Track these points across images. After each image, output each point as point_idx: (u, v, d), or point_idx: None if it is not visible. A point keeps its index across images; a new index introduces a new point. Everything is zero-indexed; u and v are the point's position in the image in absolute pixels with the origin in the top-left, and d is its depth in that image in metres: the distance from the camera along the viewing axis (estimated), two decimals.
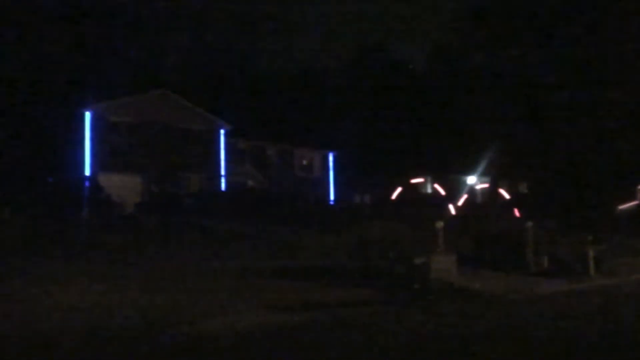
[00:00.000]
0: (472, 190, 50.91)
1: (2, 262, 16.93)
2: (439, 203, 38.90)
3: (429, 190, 51.88)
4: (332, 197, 48.58)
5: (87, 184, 32.19)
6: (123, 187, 35.58)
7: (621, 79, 44.27)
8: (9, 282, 14.81)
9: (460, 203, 41.68)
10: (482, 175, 50.51)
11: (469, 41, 52.72)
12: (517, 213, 33.62)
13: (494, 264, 20.34)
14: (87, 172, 35.36)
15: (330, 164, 50.02)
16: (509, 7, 48.09)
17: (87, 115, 36.52)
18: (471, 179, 51.29)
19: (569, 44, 45.75)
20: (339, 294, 15.55)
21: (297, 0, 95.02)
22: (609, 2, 44.78)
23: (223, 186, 41.69)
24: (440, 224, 17.95)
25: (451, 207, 39.49)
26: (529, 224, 21.31)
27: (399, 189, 37.92)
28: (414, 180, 43.86)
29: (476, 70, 51.05)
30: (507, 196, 41.17)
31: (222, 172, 42.11)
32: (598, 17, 44.24)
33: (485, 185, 51.06)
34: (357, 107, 60.17)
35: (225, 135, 42.89)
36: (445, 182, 49.75)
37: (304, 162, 49.54)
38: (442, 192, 40.84)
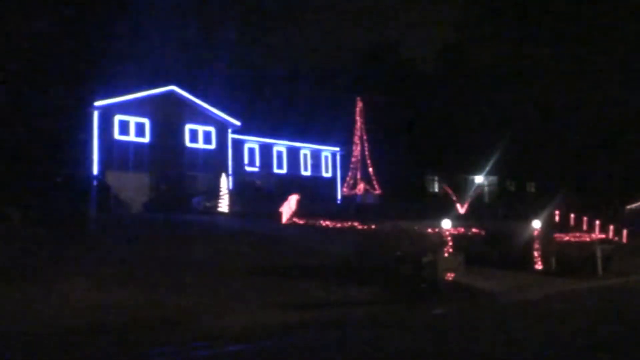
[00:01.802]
0: (480, 189, 50.84)
1: (10, 262, 16.97)
2: (447, 202, 38.85)
3: (437, 189, 51.83)
4: (339, 195, 48.53)
5: (94, 182, 32.22)
6: (131, 185, 35.60)
7: (629, 79, 44.15)
8: (18, 282, 14.85)
9: (467, 202, 41.64)
10: (489, 174, 50.42)
11: (479, 39, 52.75)
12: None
13: (502, 263, 20.28)
14: (95, 171, 35.39)
15: (338, 162, 49.99)
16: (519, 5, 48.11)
17: (95, 114, 36.57)
18: (479, 178, 51.19)
19: (578, 43, 45.68)
20: (346, 292, 15.55)
21: None
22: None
23: (231, 185, 41.70)
24: (447, 223, 17.93)
25: (459, 206, 39.46)
26: (537, 223, 21.25)
27: (407, 188, 37.88)
28: (421, 179, 43.80)
29: (486, 69, 51.02)
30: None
31: (230, 170, 42.12)
32: (606, 17, 44.15)
33: (494, 184, 51.02)
34: (366, 105, 60.05)
35: (233, 133, 42.89)
36: (452, 181, 49.70)
37: (312, 161, 49.53)
38: (451, 192, 40.57)
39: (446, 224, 18.06)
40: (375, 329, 11.65)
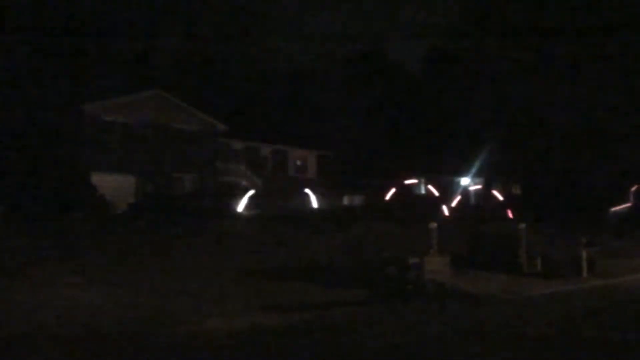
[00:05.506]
0: (465, 192, 51.00)
1: None
2: (433, 204, 38.96)
3: (423, 191, 51.92)
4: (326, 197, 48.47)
5: (80, 183, 32.09)
6: (117, 187, 35.50)
7: (620, 82, 44.45)
8: (2, 283, 14.74)
9: (453, 204, 41.77)
10: (476, 176, 50.58)
11: (466, 42, 52.86)
12: (510, 214, 33.66)
13: (488, 265, 20.34)
14: (81, 172, 35.22)
15: (324, 164, 50.02)
16: (507, 9, 48.27)
17: (81, 115, 36.41)
18: (465, 180, 51.36)
19: (566, 46, 45.87)
20: (332, 294, 15.55)
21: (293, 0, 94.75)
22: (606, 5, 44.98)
23: (217, 186, 41.63)
24: (433, 225, 17.96)
25: (445, 208, 39.57)
26: (522, 225, 21.32)
27: (393, 190, 38.01)
28: (407, 181, 43.90)
29: (472, 72, 51.19)
30: (500, 197, 41.21)
31: (217, 172, 42.05)
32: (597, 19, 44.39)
33: (479, 187, 51.17)
34: (352, 108, 60.16)
35: (220, 135, 42.83)
36: (438, 183, 49.85)
37: (298, 163, 49.56)
38: (436, 193, 40.83)
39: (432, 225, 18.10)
40: (357, 331, 11.65)
